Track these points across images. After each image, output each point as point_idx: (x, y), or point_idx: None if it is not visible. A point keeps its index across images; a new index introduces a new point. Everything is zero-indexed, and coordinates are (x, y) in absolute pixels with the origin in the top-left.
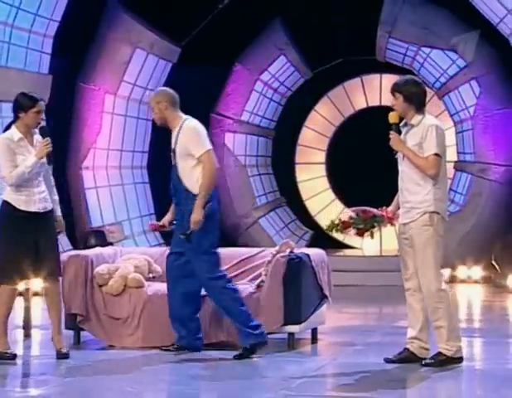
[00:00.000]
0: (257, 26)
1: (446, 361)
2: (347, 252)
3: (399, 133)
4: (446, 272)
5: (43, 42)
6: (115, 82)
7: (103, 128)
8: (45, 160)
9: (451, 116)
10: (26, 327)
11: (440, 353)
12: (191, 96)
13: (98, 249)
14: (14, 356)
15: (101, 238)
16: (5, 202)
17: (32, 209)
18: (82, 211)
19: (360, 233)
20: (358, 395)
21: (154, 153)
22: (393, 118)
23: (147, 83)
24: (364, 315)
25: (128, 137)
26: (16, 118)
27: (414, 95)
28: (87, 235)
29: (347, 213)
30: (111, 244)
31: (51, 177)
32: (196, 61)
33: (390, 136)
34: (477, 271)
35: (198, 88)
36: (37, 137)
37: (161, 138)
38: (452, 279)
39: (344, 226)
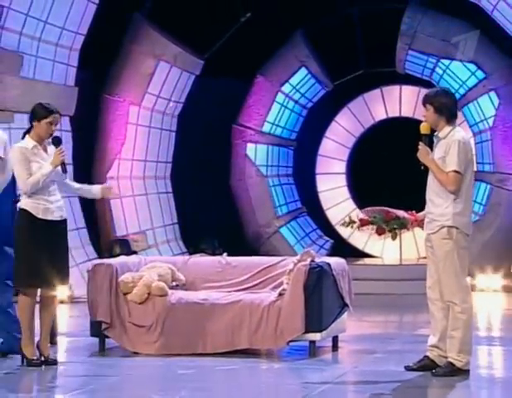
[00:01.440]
0: (278, 39)
1: (455, 372)
2: (367, 261)
3: (430, 144)
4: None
5: (69, 55)
6: (139, 94)
7: (128, 139)
8: (59, 169)
9: (470, 127)
10: (52, 334)
11: (450, 364)
12: (214, 107)
13: (122, 258)
14: (41, 364)
15: (126, 247)
16: (23, 211)
17: (50, 217)
18: (107, 220)
19: (380, 232)
20: None
21: (177, 164)
22: (424, 129)
23: (171, 95)
24: (385, 323)
25: (152, 147)
26: (30, 128)
27: (444, 106)
28: (112, 244)
29: (365, 211)
30: (135, 252)
31: (71, 183)
32: (219, 73)
33: (419, 147)
34: (497, 280)
35: (220, 99)
36: (50, 147)
37: (184, 148)
38: (472, 288)
39: (362, 224)
